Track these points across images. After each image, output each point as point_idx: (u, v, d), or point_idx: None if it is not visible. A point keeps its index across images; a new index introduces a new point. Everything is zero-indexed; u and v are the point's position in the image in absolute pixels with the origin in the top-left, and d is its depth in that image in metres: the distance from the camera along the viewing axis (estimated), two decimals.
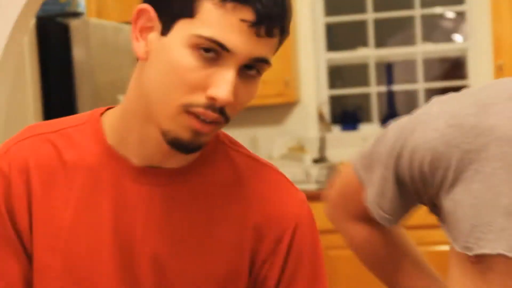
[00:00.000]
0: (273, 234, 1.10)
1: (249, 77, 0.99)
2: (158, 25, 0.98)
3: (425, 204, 1.24)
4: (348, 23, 4.79)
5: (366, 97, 4.58)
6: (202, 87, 0.96)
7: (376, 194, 1.24)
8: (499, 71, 4.10)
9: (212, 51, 0.94)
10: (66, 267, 1.10)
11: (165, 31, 0.97)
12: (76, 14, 3.39)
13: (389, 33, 4.92)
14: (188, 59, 0.95)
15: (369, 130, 4.48)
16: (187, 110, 0.97)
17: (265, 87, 1.92)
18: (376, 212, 1.25)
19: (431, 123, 1.16)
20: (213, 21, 0.94)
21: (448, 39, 4.93)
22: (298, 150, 4.36)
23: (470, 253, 1.12)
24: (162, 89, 0.98)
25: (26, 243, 1.10)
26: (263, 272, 1.11)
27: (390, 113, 4.61)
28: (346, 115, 4.64)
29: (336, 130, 4.46)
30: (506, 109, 1.12)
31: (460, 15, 4.74)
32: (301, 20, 4.61)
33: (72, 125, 1.12)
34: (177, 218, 1.10)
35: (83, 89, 3.24)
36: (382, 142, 1.25)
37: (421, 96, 4.59)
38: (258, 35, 0.95)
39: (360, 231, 1.33)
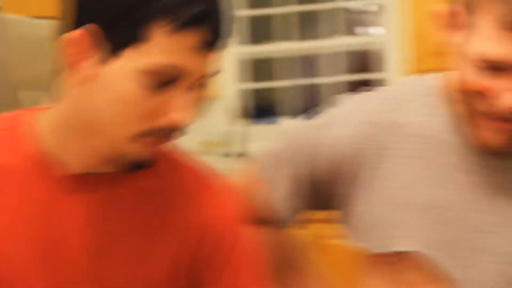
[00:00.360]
0: (212, 239, 1.11)
1: (199, 88, 1.01)
2: (100, 50, 0.95)
3: (333, 208, 1.25)
4: (271, 16, 4.89)
5: (287, 90, 4.65)
6: (161, 112, 0.97)
7: (284, 193, 1.24)
8: (417, 63, 4.25)
9: (168, 77, 0.95)
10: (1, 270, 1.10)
11: (111, 56, 0.95)
12: None
13: (311, 26, 5.02)
14: (142, 89, 0.94)
15: (291, 124, 4.60)
16: (146, 134, 0.98)
17: None
18: (281, 212, 1.26)
19: (348, 120, 1.18)
20: (169, 47, 0.94)
21: (367, 32, 5.11)
22: (219, 144, 4.42)
23: (387, 252, 1.15)
24: (114, 120, 0.97)
25: None
26: (203, 277, 1.12)
27: (311, 106, 4.67)
28: (268, 108, 4.73)
29: (258, 123, 4.53)
30: (419, 106, 1.17)
31: (380, 8, 4.87)
32: None
33: (1, 128, 1.11)
34: (115, 223, 1.10)
35: None
36: (294, 142, 1.26)
37: (341, 88, 4.72)
38: (211, 51, 0.97)
39: (259, 234, 1.30)
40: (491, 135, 1.12)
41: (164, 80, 0.97)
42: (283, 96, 4.79)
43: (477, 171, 1.18)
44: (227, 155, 4.21)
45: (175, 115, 0.98)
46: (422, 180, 1.18)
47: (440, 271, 1.16)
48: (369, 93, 1.29)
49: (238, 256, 1.17)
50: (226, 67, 4.60)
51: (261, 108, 4.68)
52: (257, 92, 4.65)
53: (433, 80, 1.24)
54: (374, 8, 4.98)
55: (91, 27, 0.94)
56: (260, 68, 4.90)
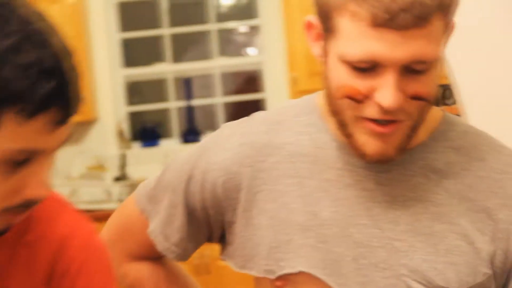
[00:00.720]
0: (62, 265, 1.09)
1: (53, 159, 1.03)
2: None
3: (213, 238, 1.23)
4: (144, 39, 4.86)
5: (165, 112, 4.66)
6: (16, 191, 0.97)
7: (162, 223, 1.21)
8: (294, 83, 4.29)
9: (21, 159, 0.94)
10: None
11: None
12: None
13: (186, 48, 5.00)
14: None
15: (170, 146, 4.60)
16: (2, 212, 0.98)
17: None
18: (161, 244, 1.22)
19: (223, 143, 1.15)
20: (20, 135, 0.93)
21: (243, 53, 5.13)
22: (97, 169, 4.33)
23: (272, 276, 1.11)
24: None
25: None
26: None
27: (189, 128, 4.71)
28: (146, 131, 4.73)
29: (136, 146, 4.50)
30: (294, 125, 1.13)
31: (254, 29, 4.92)
32: (96, 36, 4.63)
33: None
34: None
35: None
36: (170, 170, 1.23)
37: (220, 110, 4.71)
38: (62, 126, 0.96)
39: (140, 270, 1.29)
40: (367, 141, 1.07)
41: (16, 163, 0.95)
42: (162, 119, 4.79)
43: (354, 185, 1.15)
44: (107, 179, 4.17)
45: (30, 192, 0.97)
46: (300, 199, 1.14)
47: None
48: (244, 119, 1.25)
49: (88, 278, 1.15)
50: (103, 91, 4.56)
51: (142, 131, 4.67)
52: (136, 115, 4.62)
53: (312, 99, 1.20)
54: (246, 29, 5.06)
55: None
56: (136, 91, 4.85)
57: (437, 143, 1.15)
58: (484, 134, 1.16)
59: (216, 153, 1.16)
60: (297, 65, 4.48)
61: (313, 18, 1.06)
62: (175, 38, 4.74)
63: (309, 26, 1.07)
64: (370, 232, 1.11)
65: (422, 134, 1.12)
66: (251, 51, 5.12)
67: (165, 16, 4.66)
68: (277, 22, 4.56)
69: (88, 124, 4.33)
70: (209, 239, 1.24)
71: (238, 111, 4.95)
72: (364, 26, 0.95)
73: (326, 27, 1.01)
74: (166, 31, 4.57)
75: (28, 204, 0.97)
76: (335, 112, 1.07)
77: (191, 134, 4.78)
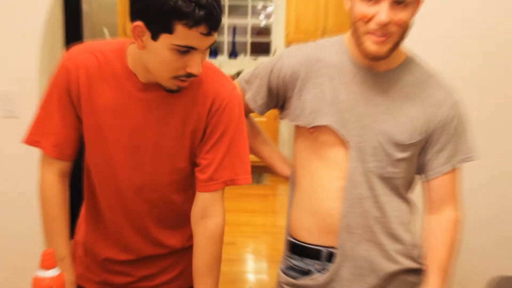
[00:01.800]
0: (218, 102, 1.57)
1: (205, 50, 1.45)
2: (148, 33, 1.38)
3: (277, 106, 1.77)
4: None
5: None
6: (183, 67, 1.42)
7: (253, 94, 1.75)
8: (287, 35, 6.65)
9: (186, 49, 1.38)
10: (97, 139, 1.59)
11: (154, 38, 1.37)
12: None
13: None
14: (172, 56, 1.39)
15: (221, 60, 7.02)
16: (174, 78, 1.45)
17: None
18: (252, 105, 1.76)
19: (292, 54, 1.68)
20: (185, 36, 1.36)
21: (260, 17, 7.47)
22: None
23: (310, 126, 1.64)
24: (158, 70, 1.44)
25: (78, 112, 1.59)
26: (208, 130, 1.58)
27: (232, 50, 7.50)
28: None
29: None
30: (330, 49, 1.66)
31: (266, 3, 7.37)
32: None
33: (109, 49, 1.56)
34: (164, 109, 1.55)
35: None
36: (259, 67, 1.76)
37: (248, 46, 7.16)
38: (211, 35, 1.40)
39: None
40: (372, 46, 1.53)
41: (183, 51, 1.37)
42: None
43: (360, 83, 1.62)
44: None
45: (190, 69, 1.41)
46: (329, 88, 1.63)
47: (341, 137, 1.62)
48: (302, 44, 1.71)
49: (229, 119, 1.58)
50: None
51: None
52: None
53: (340, 37, 1.69)
54: (263, 4, 7.44)
55: (140, 22, 1.35)
56: None
57: (407, 66, 1.66)
58: (428, 66, 1.68)
59: (288, 58, 1.69)
60: (289, 25, 6.61)
61: None
62: None
63: None
64: (368, 109, 1.61)
65: (399, 59, 1.65)
66: (265, 15, 7.54)
67: None
68: (282, 1, 6.77)
69: None
70: (275, 106, 1.77)
71: (256, 47, 7.48)
72: None
73: None
74: None
75: (188, 75, 1.43)
76: (354, 31, 1.57)
77: (232, 54, 7.41)
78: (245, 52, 7.55)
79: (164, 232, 1.68)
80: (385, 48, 1.52)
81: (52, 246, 1.62)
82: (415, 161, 1.67)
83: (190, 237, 1.66)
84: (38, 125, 1.60)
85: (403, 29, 1.52)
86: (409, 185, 1.70)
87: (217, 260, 1.62)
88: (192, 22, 1.30)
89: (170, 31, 1.33)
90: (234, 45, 7.46)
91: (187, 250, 1.70)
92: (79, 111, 1.56)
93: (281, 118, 1.75)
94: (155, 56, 1.39)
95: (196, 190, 1.61)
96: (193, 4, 1.29)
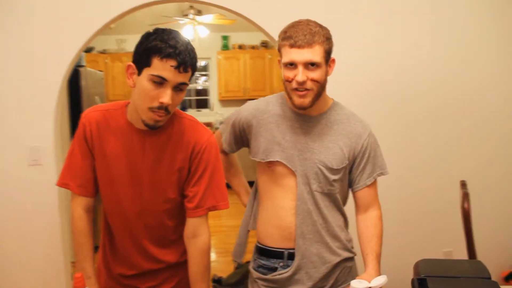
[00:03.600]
0: (197, 149, 1.76)
1: (178, 91, 1.63)
2: (136, 72, 1.60)
3: (245, 145, 2.05)
4: None
5: None
6: (156, 98, 1.59)
7: (225, 138, 2.03)
8: (220, 94, 8.72)
9: (159, 81, 1.56)
10: (107, 176, 1.77)
11: (139, 73, 1.59)
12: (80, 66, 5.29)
13: None
14: (148, 86, 1.57)
15: None
16: (150, 109, 1.61)
17: None
18: (226, 147, 2.05)
19: (247, 107, 1.97)
20: (159, 68, 1.55)
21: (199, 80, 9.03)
22: None
23: (265, 161, 1.93)
24: (140, 102, 1.61)
25: (93, 155, 1.78)
26: (192, 169, 1.79)
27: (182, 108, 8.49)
28: None
29: None
30: (274, 103, 1.96)
31: (207, 63, 8.91)
32: None
33: (113, 108, 1.75)
34: (156, 152, 1.74)
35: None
36: (229, 117, 2.02)
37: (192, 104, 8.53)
38: (179, 72, 1.56)
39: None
40: (297, 100, 1.80)
41: (158, 82, 1.54)
42: None
43: (299, 127, 1.89)
44: None
45: (162, 99, 1.57)
46: (277, 132, 1.91)
47: (290, 168, 1.90)
48: (257, 99, 1.97)
49: (207, 159, 1.76)
50: None
51: None
52: None
53: (280, 93, 1.99)
54: (203, 63, 9.00)
55: (132, 63, 1.60)
56: None
57: (334, 108, 1.93)
58: (348, 109, 1.98)
59: (244, 111, 1.95)
60: (221, 87, 8.66)
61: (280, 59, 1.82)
62: None
63: (279, 62, 1.85)
64: (303, 145, 1.88)
65: (327, 104, 1.91)
66: (204, 77, 9.26)
67: None
68: (215, 71, 8.87)
69: None
70: (243, 146, 2.05)
71: (199, 102, 9.21)
72: (288, 48, 1.77)
73: (280, 56, 1.78)
74: None
75: (160, 107, 1.58)
76: (285, 89, 1.85)
77: (182, 108, 8.26)
78: (191, 107, 9.58)
79: (160, 250, 1.88)
80: (307, 100, 1.84)
81: (81, 266, 1.83)
82: (347, 179, 2.01)
83: (183, 253, 1.89)
84: (66, 171, 1.84)
85: (319, 84, 1.83)
86: (344, 198, 2.05)
87: (208, 268, 1.85)
88: (163, 55, 1.55)
89: (148, 64, 1.57)
90: (184, 102, 9.16)
91: (181, 264, 1.92)
92: (94, 156, 1.79)
93: (250, 155, 2.04)
94: (139, 89, 1.61)
95: (186, 216, 1.83)
96: (167, 44, 1.56)
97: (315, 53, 1.76)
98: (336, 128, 1.92)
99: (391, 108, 3.50)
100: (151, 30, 1.65)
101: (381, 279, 1.73)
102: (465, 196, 2.57)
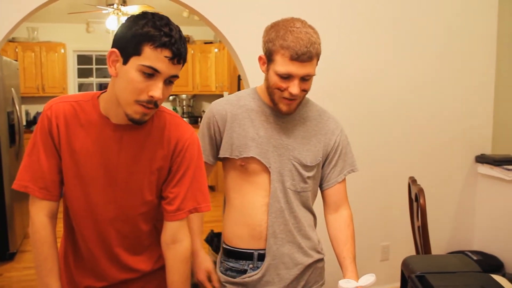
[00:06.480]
0: (180, 145, 1.66)
1: (168, 84, 1.50)
2: (120, 60, 1.44)
3: (218, 148, 1.95)
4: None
5: None
6: (147, 91, 1.45)
7: (203, 147, 1.94)
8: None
9: (151, 72, 1.43)
10: (76, 177, 1.62)
11: (125, 62, 1.44)
12: None
13: None
14: (138, 77, 1.43)
15: None
16: (137, 102, 1.47)
17: None
18: (205, 159, 1.91)
19: (218, 103, 1.93)
20: (151, 58, 1.42)
21: None
22: None
23: (238, 157, 1.86)
24: (125, 94, 1.47)
25: (60, 155, 1.62)
26: (173, 168, 1.67)
27: None
28: None
29: None
30: (247, 98, 1.92)
31: None
32: None
33: (83, 100, 1.62)
34: (134, 149, 1.62)
35: None
36: (202, 120, 1.96)
37: None
38: (173, 63, 1.44)
39: None
40: (284, 108, 1.82)
41: (148, 73, 1.42)
42: None
43: (273, 122, 1.89)
44: None
45: (152, 92, 1.44)
46: (251, 127, 1.88)
47: (264, 165, 1.88)
48: (228, 96, 1.95)
49: (190, 156, 1.66)
50: None
51: None
52: None
53: (253, 88, 1.95)
54: None
55: (115, 49, 1.45)
56: None
57: (306, 105, 1.96)
58: (319, 105, 2.00)
59: (215, 107, 1.93)
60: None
61: (263, 55, 1.80)
62: None
63: (260, 58, 1.82)
64: (278, 141, 1.88)
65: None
66: None
67: None
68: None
69: None
70: (217, 148, 1.95)
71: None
72: (287, 59, 1.70)
73: (269, 59, 1.77)
74: None
75: (149, 101, 1.46)
76: (270, 93, 1.82)
77: None
78: None
79: (133, 258, 1.75)
80: (293, 107, 1.85)
81: (44, 283, 1.65)
82: (319, 177, 1.99)
83: (157, 260, 1.80)
84: (25, 172, 1.64)
85: (307, 91, 1.85)
86: (314, 197, 2.03)
87: (188, 277, 1.74)
88: (157, 43, 1.43)
89: (138, 53, 1.44)
90: None
91: (156, 272, 1.81)
92: (60, 154, 1.62)
93: (219, 155, 1.98)
94: (124, 79, 1.48)
95: (164, 220, 1.71)
96: (161, 32, 1.43)
97: (313, 66, 1.75)
98: (309, 124, 1.91)
99: (342, 105, 3.68)
100: (138, 13, 1.49)
101: (370, 278, 1.71)
102: (420, 192, 2.60)
